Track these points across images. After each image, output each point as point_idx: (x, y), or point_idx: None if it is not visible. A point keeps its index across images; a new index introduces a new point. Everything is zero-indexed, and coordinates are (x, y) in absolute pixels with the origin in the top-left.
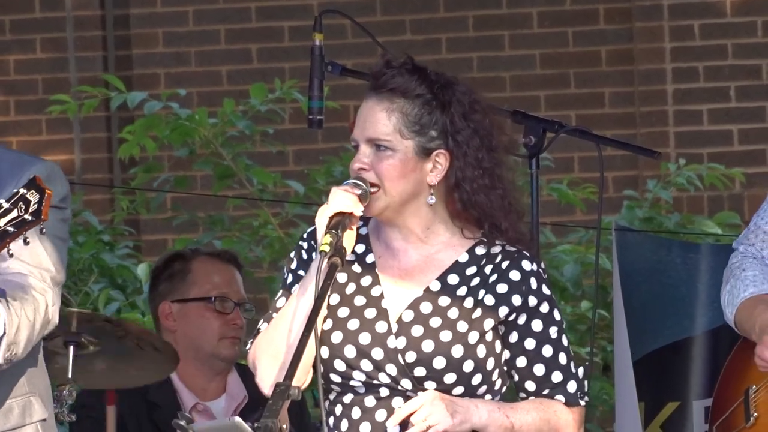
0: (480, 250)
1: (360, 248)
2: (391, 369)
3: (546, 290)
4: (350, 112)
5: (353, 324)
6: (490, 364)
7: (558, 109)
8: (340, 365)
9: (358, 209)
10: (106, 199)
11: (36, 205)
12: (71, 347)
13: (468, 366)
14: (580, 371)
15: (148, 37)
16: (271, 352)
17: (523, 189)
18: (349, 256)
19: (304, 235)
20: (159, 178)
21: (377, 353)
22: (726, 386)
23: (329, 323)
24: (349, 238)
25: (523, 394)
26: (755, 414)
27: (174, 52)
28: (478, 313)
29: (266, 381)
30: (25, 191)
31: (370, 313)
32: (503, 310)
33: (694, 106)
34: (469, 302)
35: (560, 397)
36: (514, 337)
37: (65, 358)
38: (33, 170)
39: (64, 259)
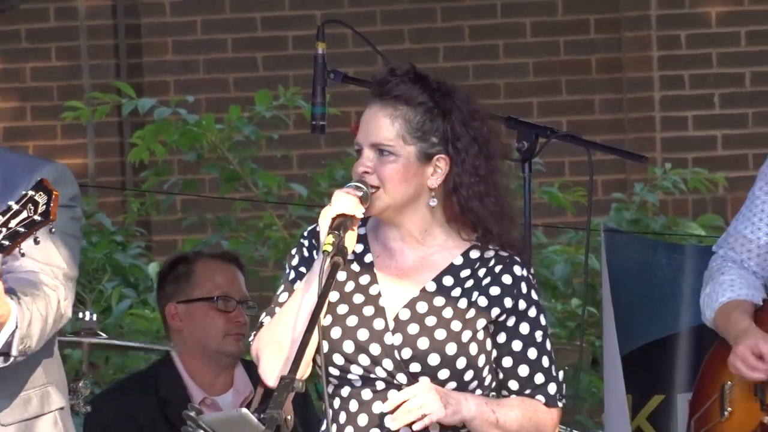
0: (474, 254)
1: (358, 248)
2: (388, 364)
3: (534, 296)
4: (351, 117)
5: (352, 320)
6: (481, 361)
7: (550, 116)
8: (338, 359)
9: (359, 211)
10: (118, 201)
11: (44, 206)
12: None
13: (461, 363)
14: (560, 375)
15: (158, 45)
16: (274, 346)
17: (516, 192)
18: (348, 256)
19: (305, 233)
20: (168, 181)
21: (374, 349)
22: (705, 381)
23: (329, 319)
24: (350, 239)
25: (505, 392)
26: (729, 409)
27: (183, 60)
28: (471, 313)
29: (269, 373)
30: (33, 193)
31: (368, 310)
32: (495, 311)
33: (680, 112)
34: (462, 303)
35: (541, 398)
36: (502, 337)
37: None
38: (43, 172)
39: (77, 255)
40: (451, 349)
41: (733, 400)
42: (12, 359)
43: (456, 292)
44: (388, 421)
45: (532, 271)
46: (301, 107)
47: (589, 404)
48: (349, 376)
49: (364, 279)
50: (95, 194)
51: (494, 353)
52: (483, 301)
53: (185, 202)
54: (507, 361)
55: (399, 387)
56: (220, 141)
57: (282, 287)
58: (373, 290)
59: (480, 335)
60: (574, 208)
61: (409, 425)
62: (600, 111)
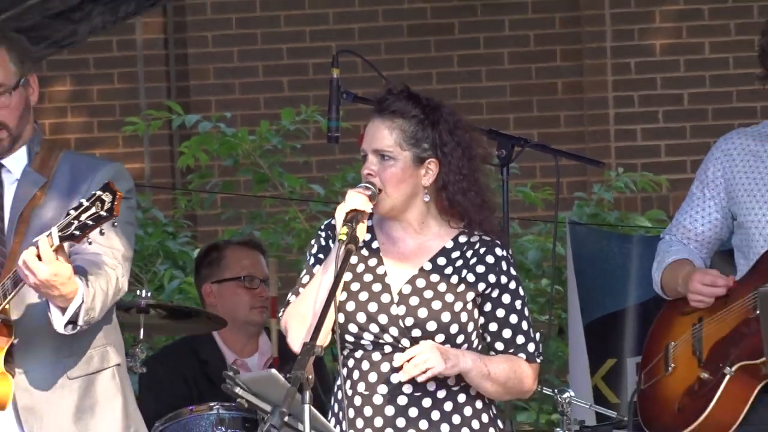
0: (462, 239)
1: (367, 237)
2: (394, 331)
3: (513, 272)
4: (361, 130)
5: (363, 296)
6: (470, 327)
7: (523, 128)
8: (353, 328)
9: (368, 207)
10: (169, 198)
11: (110, 204)
12: (142, 316)
13: (454, 329)
14: (537, 336)
15: (202, 71)
16: (299, 319)
17: (496, 191)
18: (359, 244)
19: (322, 227)
20: (210, 182)
21: (383, 318)
22: (652, 344)
23: (344, 295)
24: (361, 230)
25: (492, 353)
26: (673, 365)
27: (222, 83)
28: (461, 287)
29: (296, 341)
30: (101, 193)
31: (377, 287)
32: (481, 286)
33: (631, 126)
34: (454, 279)
35: (522, 355)
36: (488, 307)
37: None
38: (104, 170)
39: (132, 239)
40: (445, 317)
41: (676, 358)
42: (78, 327)
43: (448, 270)
44: (393, 378)
45: (510, 251)
46: (319, 122)
47: (556, 366)
48: (362, 341)
49: (372, 262)
50: (150, 193)
51: (482, 320)
52: (471, 278)
53: (224, 200)
54: (493, 326)
55: (403, 350)
56: (252, 149)
57: (304, 271)
58: (380, 270)
59: (469, 306)
60: (543, 204)
61: (414, 378)
62: (565, 125)
